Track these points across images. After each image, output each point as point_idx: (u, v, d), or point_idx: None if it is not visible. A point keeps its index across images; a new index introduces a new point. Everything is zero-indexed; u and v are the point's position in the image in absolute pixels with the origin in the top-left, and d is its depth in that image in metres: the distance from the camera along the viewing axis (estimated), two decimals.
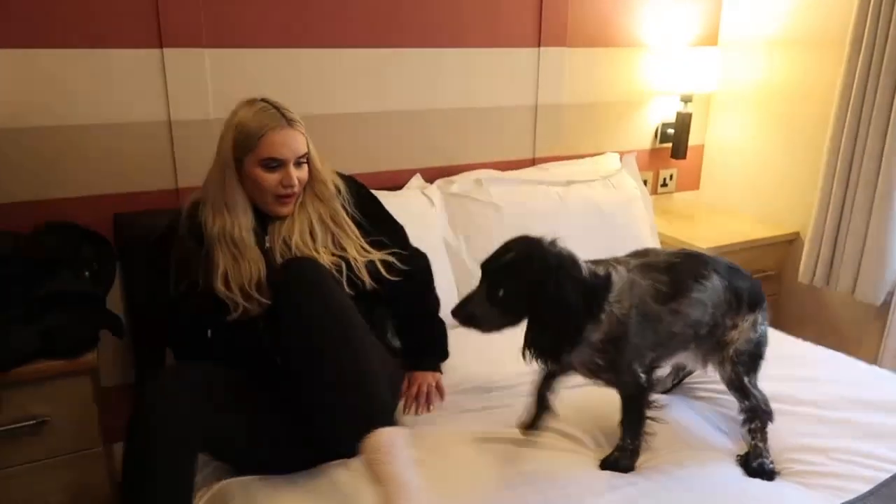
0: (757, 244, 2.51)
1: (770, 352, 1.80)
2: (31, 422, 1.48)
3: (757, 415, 1.46)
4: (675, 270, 1.42)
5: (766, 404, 1.48)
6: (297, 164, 1.54)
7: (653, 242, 2.42)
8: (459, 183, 2.23)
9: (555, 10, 2.37)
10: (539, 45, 2.38)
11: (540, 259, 1.28)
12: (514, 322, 1.31)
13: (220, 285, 1.47)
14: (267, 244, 1.56)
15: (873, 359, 2.29)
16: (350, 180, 1.72)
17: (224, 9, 1.90)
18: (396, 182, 2.23)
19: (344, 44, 2.09)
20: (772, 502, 1.32)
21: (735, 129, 2.77)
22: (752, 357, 1.49)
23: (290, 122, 1.52)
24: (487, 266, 1.33)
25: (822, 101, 2.36)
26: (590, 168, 2.44)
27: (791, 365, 1.83)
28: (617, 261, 1.43)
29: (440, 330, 1.77)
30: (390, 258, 1.62)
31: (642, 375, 1.39)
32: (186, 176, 1.96)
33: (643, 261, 1.43)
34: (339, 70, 2.11)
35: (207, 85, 1.93)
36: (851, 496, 1.31)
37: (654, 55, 2.61)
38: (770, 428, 1.49)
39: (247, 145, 1.50)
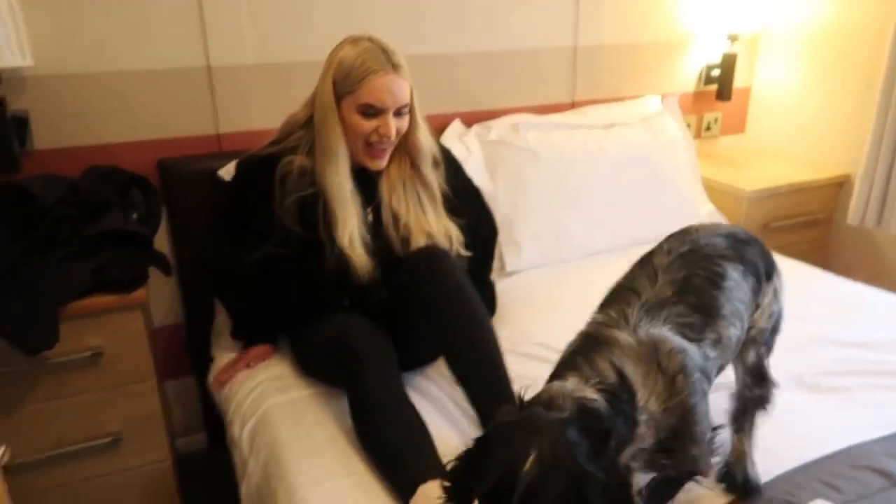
0: (804, 187, 2.43)
1: (819, 294, 1.79)
2: (88, 353, 1.56)
3: (760, 405, 1.22)
4: (689, 285, 1.08)
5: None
6: (398, 113, 1.46)
7: (695, 186, 2.37)
8: (497, 129, 2.21)
9: None
10: None
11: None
12: None
13: (343, 240, 1.45)
14: (369, 215, 1.53)
15: None
16: (445, 149, 1.70)
17: None
18: (436, 127, 2.22)
19: None
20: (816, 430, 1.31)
21: (783, 70, 2.67)
22: (773, 333, 1.27)
23: (395, 67, 1.42)
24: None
25: (876, 40, 2.25)
26: (630, 111, 2.39)
27: (842, 307, 1.80)
28: (608, 313, 1.05)
29: (493, 293, 1.77)
30: (463, 237, 1.60)
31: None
32: (227, 122, 1.99)
33: (644, 302, 1.05)
34: (377, 13, 2.09)
35: (244, 30, 1.94)
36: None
37: None
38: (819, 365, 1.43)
39: (346, 87, 1.43)
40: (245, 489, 1.41)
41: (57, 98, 1.79)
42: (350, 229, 1.45)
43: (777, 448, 1.25)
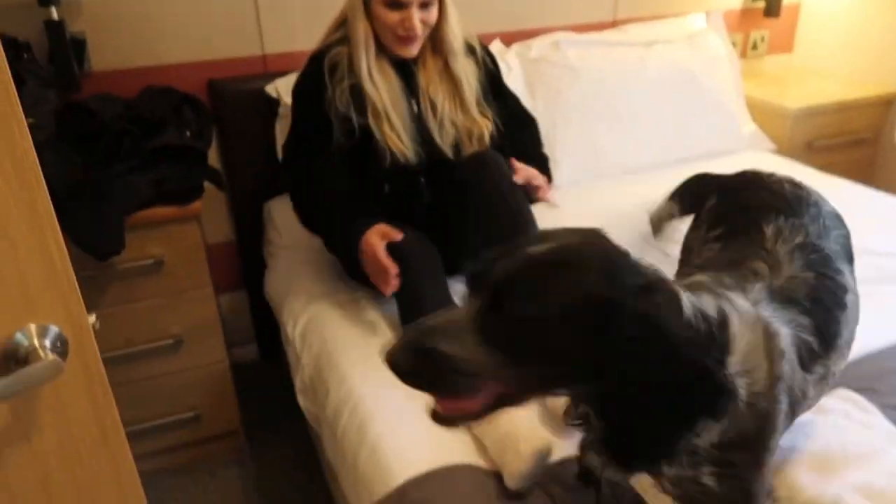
0: (851, 105, 2.39)
1: (860, 208, 1.80)
2: (150, 261, 1.67)
3: None
4: (818, 300, 0.87)
5: None
6: (423, 5, 1.51)
7: (738, 105, 2.35)
8: (537, 47, 2.21)
9: None
10: None
11: (625, 314, 0.67)
12: (519, 390, 0.73)
13: (387, 130, 1.52)
14: (414, 106, 1.58)
15: None
16: (483, 46, 1.73)
17: None
18: None
19: None
20: None
21: None
22: None
23: None
24: (504, 274, 0.70)
25: None
26: (673, 28, 2.35)
27: (883, 220, 1.82)
28: (719, 276, 0.85)
29: (547, 164, 1.79)
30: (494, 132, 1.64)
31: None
32: (272, 42, 2.04)
33: (769, 286, 0.85)
34: None
35: None
36: None
37: None
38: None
39: None
40: (299, 382, 1.52)
41: (112, 20, 1.86)
42: (386, 114, 1.53)
43: None
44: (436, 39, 1.59)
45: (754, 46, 2.69)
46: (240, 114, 2.01)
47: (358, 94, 1.53)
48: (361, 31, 1.53)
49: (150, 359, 1.78)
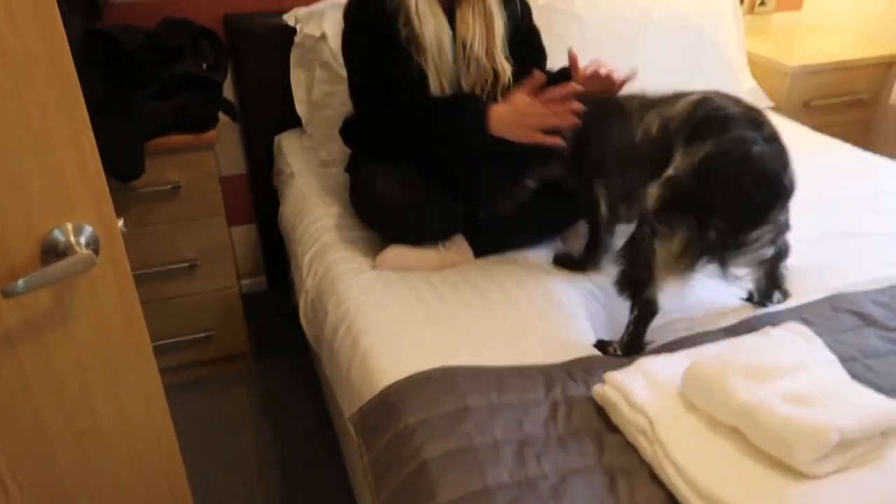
0: (851, 65, 2.42)
1: (843, 165, 1.86)
2: (168, 186, 1.78)
3: None
4: None
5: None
6: None
7: (740, 60, 2.39)
8: None
9: None
10: None
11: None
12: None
13: (432, 73, 1.52)
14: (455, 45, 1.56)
15: None
16: None
17: None
18: None
19: None
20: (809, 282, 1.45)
21: None
22: None
23: None
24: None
25: None
26: None
27: (865, 178, 1.89)
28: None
29: None
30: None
31: None
32: None
33: None
34: None
35: None
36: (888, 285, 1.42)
37: None
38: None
39: None
40: (302, 306, 1.64)
41: None
42: (435, 57, 1.52)
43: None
44: None
45: (762, 2, 2.71)
46: (255, 48, 2.07)
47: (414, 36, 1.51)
48: None
49: (165, 280, 1.90)
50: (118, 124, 1.56)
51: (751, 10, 2.71)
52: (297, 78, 2.10)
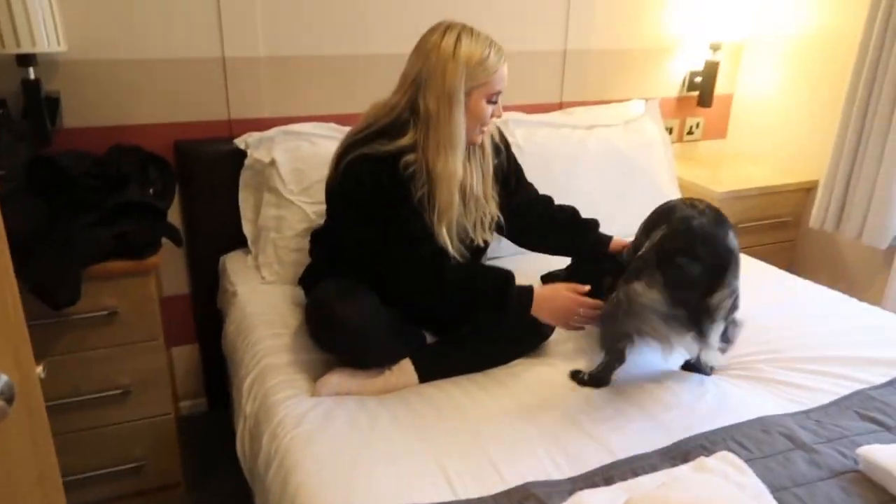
0: (774, 191, 2.60)
1: (774, 292, 1.98)
2: (105, 312, 1.74)
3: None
4: None
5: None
6: None
7: (671, 187, 2.54)
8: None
9: None
10: None
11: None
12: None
13: (452, 227, 1.58)
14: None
15: (879, 302, 2.39)
16: (504, 139, 1.84)
17: None
18: None
19: None
20: (740, 404, 1.48)
21: (764, 79, 2.83)
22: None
23: (504, 56, 1.57)
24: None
25: (847, 52, 2.40)
26: (614, 113, 2.55)
27: (786, 300, 1.97)
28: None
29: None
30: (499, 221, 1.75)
31: None
32: (238, 108, 2.17)
33: None
34: (379, 10, 2.25)
35: (258, 25, 2.11)
36: (814, 406, 1.47)
37: (686, 3, 2.66)
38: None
39: (480, 79, 1.52)
40: (239, 434, 1.59)
41: (86, 81, 1.98)
42: (451, 213, 1.58)
43: (703, 412, 1.44)
44: None
45: (690, 132, 2.92)
46: (204, 172, 2.12)
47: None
48: (460, 133, 1.53)
49: (97, 408, 1.82)
50: (57, 252, 1.55)
51: (680, 139, 2.91)
52: (245, 198, 2.14)
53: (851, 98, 2.31)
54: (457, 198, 1.58)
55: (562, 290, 1.62)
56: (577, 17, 2.52)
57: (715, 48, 2.71)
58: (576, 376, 1.59)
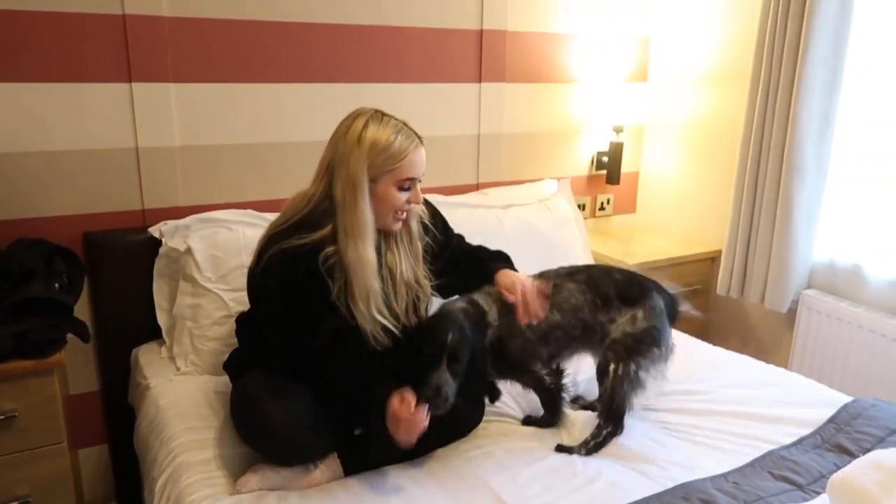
0: (683, 261, 2.73)
1: (688, 360, 2.03)
2: (1, 417, 1.63)
3: (608, 415, 1.66)
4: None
5: (619, 409, 1.66)
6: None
7: (585, 259, 2.63)
8: None
9: (494, 49, 2.61)
10: (480, 81, 2.62)
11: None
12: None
13: (374, 312, 1.52)
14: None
15: (785, 363, 2.51)
16: (432, 206, 1.82)
17: (189, 47, 2.10)
18: None
19: (299, 79, 2.29)
20: (659, 473, 1.51)
21: (665, 157, 3.03)
22: (628, 349, 1.68)
23: (420, 140, 1.55)
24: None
25: (734, 132, 2.60)
26: (528, 192, 2.66)
27: (700, 367, 2.05)
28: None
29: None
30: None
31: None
32: (152, 198, 2.14)
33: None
34: (292, 102, 2.31)
35: (173, 115, 2.12)
36: (730, 468, 1.51)
37: (588, 90, 2.85)
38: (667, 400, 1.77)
39: (386, 166, 1.50)
40: None
41: None
42: (375, 300, 1.52)
43: (626, 486, 1.46)
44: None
45: (602, 207, 3.06)
46: (115, 263, 2.05)
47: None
48: (367, 219, 1.50)
49: None
50: None
51: (593, 215, 3.05)
52: (159, 288, 2.08)
53: (742, 173, 2.50)
54: (376, 285, 1.53)
55: (395, 406, 1.45)
56: (488, 103, 2.65)
57: (618, 130, 2.89)
58: (568, 450, 1.63)
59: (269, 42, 2.22)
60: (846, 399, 1.82)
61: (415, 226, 1.68)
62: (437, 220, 1.83)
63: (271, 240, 1.54)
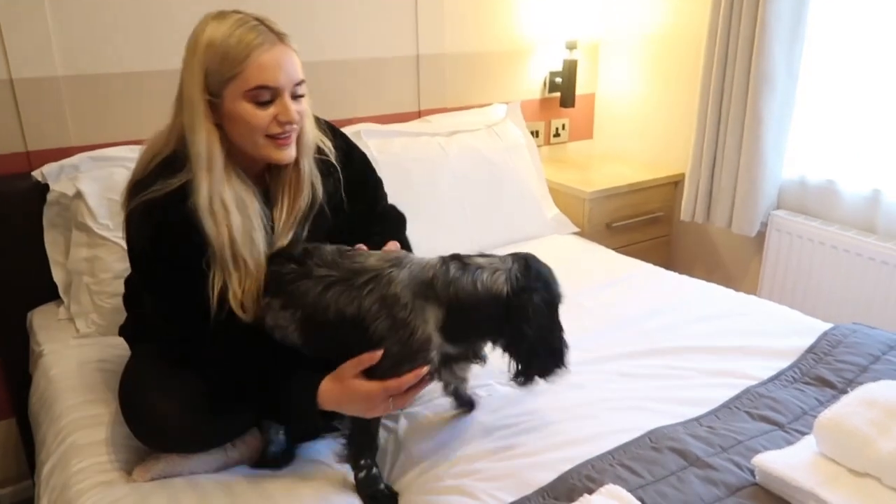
0: (642, 187, 2.54)
1: (652, 291, 1.87)
2: None
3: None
4: None
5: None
6: (294, 96, 1.20)
7: (541, 191, 2.42)
8: None
9: None
10: None
11: None
12: None
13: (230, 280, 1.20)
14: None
15: (754, 290, 2.36)
16: (332, 129, 1.42)
17: None
18: None
19: None
20: (625, 419, 1.33)
21: (622, 77, 2.79)
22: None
23: (280, 37, 1.17)
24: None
25: (697, 48, 2.37)
26: (475, 118, 2.41)
27: (664, 298, 1.87)
28: None
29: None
30: None
31: None
32: (37, 139, 1.84)
33: None
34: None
35: (51, 40, 1.80)
36: (704, 410, 1.34)
37: (538, 1, 2.58)
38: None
39: (226, 72, 1.14)
40: None
41: None
42: (235, 260, 1.20)
43: (586, 435, 1.27)
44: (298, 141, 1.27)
45: (556, 134, 2.83)
46: (1, 217, 1.77)
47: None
48: (204, 144, 1.17)
49: None
50: None
51: (547, 142, 2.82)
52: (52, 240, 1.81)
53: (706, 91, 2.29)
54: (239, 237, 1.20)
55: (349, 375, 1.16)
56: (426, 19, 2.37)
57: (571, 47, 2.64)
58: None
59: None
60: (823, 326, 1.66)
61: (306, 165, 1.30)
62: (350, 157, 1.45)
63: (132, 191, 1.23)
